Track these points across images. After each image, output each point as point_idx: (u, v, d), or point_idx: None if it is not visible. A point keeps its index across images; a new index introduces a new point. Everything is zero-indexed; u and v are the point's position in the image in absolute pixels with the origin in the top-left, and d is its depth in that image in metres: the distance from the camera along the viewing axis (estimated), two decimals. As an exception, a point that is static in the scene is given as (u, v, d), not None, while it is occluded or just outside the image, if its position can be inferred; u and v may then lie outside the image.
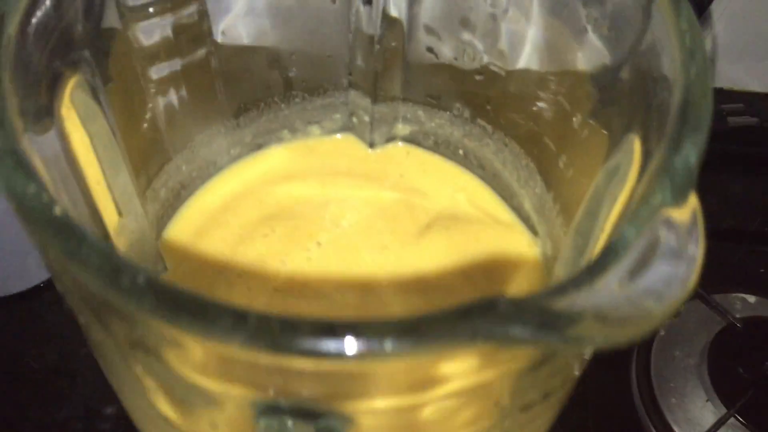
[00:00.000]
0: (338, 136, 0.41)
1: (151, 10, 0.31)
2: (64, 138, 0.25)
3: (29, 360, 0.41)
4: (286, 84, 0.38)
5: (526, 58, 0.33)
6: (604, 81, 0.28)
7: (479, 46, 0.34)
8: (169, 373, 0.19)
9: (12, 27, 0.21)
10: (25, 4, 0.22)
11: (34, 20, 0.23)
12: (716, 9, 0.50)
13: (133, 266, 0.16)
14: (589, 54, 0.29)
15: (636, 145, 0.23)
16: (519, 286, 0.35)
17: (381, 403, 0.19)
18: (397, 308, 0.34)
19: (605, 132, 0.28)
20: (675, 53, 0.22)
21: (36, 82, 0.23)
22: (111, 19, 0.29)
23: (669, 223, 0.18)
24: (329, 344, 0.15)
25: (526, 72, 0.33)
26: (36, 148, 0.21)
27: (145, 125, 0.34)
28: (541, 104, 0.33)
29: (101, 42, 0.28)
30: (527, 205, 0.36)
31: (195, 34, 0.33)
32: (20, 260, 0.41)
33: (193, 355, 0.18)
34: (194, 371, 0.18)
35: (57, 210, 0.17)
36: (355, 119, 0.40)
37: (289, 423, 0.18)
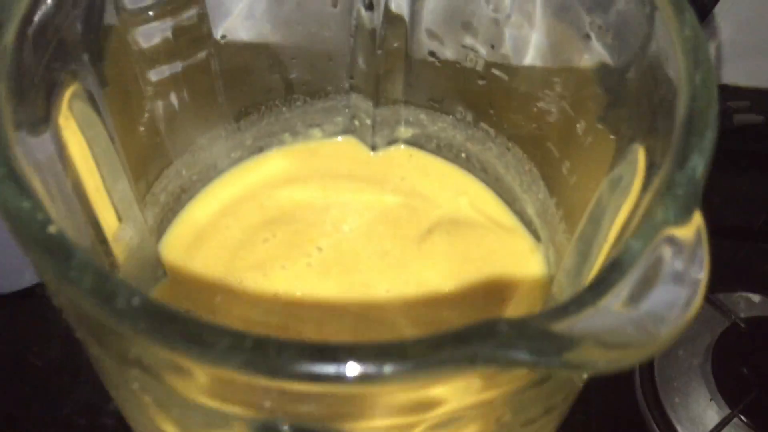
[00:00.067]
0: (339, 139, 0.40)
1: (150, 13, 0.30)
2: (61, 145, 0.24)
3: (32, 357, 0.41)
4: (287, 87, 0.38)
5: (529, 63, 0.32)
6: (609, 86, 0.28)
7: (482, 50, 0.34)
8: (167, 393, 0.19)
9: (9, 36, 0.21)
10: (22, 12, 0.22)
11: (31, 28, 0.22)
12: (722, 5, 0.49)
13: (128, 288, 0.16)
14: (593, 60, 0.28)
15: (640, 155, 0.23)
16: (521, 292, 0.35)
17: (380, 422, 0.19)
18: (398, 314, 0.34)
19: (610, 137, 0.27)
20: (680, 61, 0.21)
21: (33, 90, 0.22)
22: (110, 23, 0.29)
23: (673, 242, 0.17)
24: (328, 368, 0.15)
25: (529, 76, 0.33)
26: (31, 156, 0.20)
27: (145, 129, 0.33)
28: (544, 109, 0.33)
29: (100, 47, 0.28)
30: (530, 210, 0.36)
31: (195, 36, 0.33)
32: (22, 257, 0.40)
33: (190, 375, 0.18)
34: (192, 391, 0.18)
35: (52, 228, 0.17)
36: (356, 122, 0.39)
37: (288, 442, 0.18)
